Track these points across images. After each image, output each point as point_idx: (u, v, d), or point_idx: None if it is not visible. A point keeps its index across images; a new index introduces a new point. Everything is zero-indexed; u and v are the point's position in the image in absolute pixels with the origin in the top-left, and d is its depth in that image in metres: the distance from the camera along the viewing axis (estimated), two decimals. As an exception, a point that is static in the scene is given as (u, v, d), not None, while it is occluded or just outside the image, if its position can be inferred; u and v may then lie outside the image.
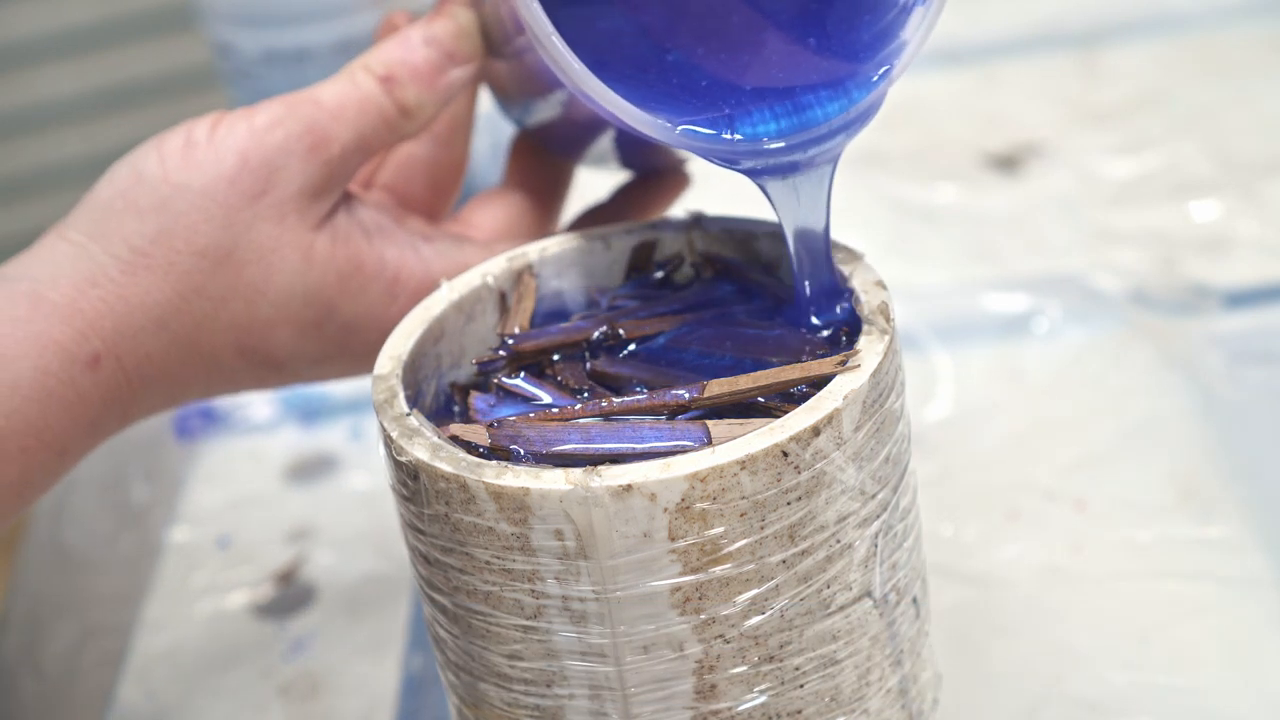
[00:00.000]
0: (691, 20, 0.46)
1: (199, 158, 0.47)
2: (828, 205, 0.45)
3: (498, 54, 0.49)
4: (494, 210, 0.53)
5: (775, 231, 0.47)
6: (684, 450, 0.40)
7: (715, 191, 0.54)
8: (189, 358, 0.48)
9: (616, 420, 0.43)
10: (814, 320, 0.45)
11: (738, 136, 0.44)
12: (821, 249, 0.45)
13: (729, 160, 0.44)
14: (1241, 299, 0.72)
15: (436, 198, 0.53)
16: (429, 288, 0.48)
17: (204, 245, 0.47)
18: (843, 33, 0.46)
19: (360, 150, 0.48)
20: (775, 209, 0.45)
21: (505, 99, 0.53)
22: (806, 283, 0.45)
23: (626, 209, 0.54)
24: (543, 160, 0.54)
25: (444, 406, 0.47)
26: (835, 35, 0.46)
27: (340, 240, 0.48)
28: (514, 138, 0.54)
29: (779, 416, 0.40)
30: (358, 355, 0.50)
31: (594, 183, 0.57)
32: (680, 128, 0.44)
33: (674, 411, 0.43)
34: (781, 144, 0.44)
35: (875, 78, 0.45)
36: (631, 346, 0.46)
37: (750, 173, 0.45)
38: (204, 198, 0.47)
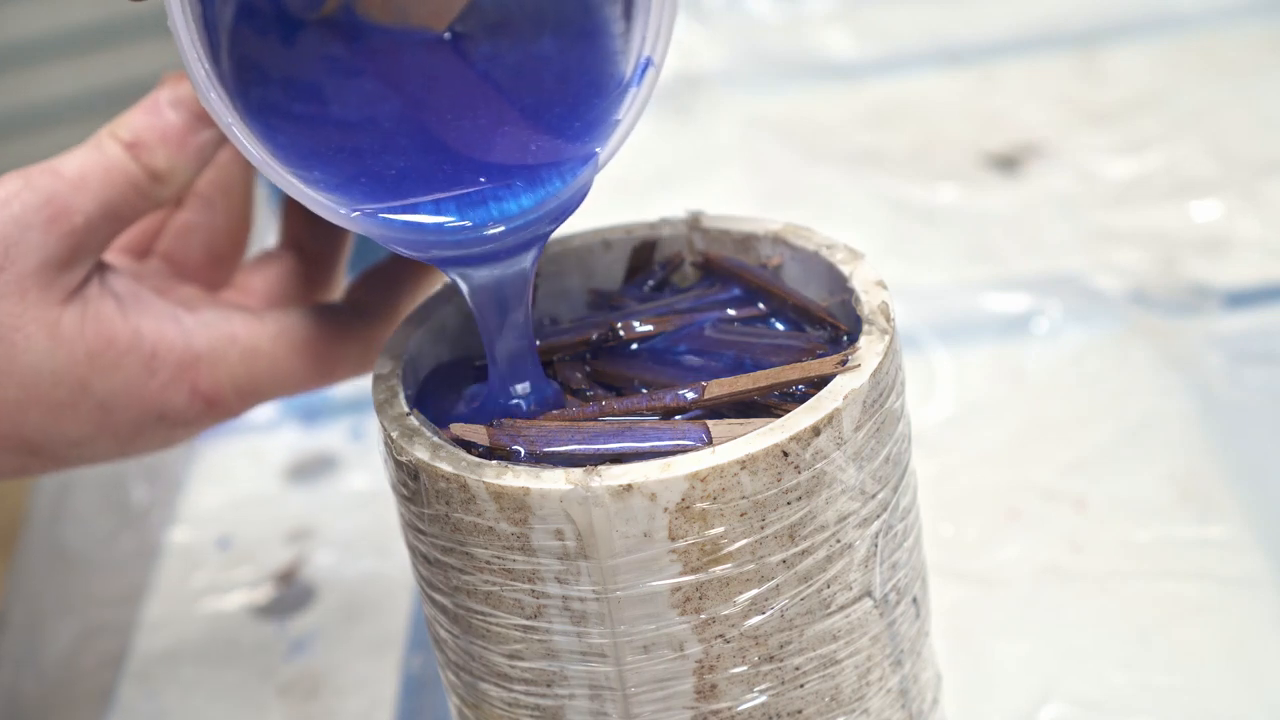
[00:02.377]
0: (390, 104, 0.44)
1: None
2: (527, 299, 0.43)
3: None
4: (267, 273, 0.51)
5: (776, 232, 0.47)
6: (684, 450, 0.40)
7: (715, 192, 0.54)
8: None
9: (617, 420, 0.43)
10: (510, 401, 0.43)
11: (433, 223, 0.42)
12: (525, 344, 0.43)
13: (416, 249, 0.42)
14: (1241, 299, 0.72)
15: (216, 266, 0.51)
16: (190, 362, 0.46)
17: None
18: (559, 117, 0.44)
19: (109, 219, 0.46)
20: (470, 300, 0.43)
21: None
22: (508, 384, 0.44)
23: (399, 268, 0.51)
24: (316, 219, 0.49)
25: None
26: (551, 120, 0.44)
27: (90, 315, 0.45)
28: (284, 196, 0.51)
29: (779, 416, 0.40)
30: (120, 436, 0.47)
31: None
32: (355, 212, 0.42)
33: (674, 412, 0.43)
34: (484, 231, 0.42)
35: (585, 161, 0.43)
36: (632, 347, 0.46)
37: (441, 262, 0.43)
38: None
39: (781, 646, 0.41)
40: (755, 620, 0.40)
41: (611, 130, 0.43)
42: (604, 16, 0.45)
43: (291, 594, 0.67)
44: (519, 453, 0.42)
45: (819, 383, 0.41)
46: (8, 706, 0.67)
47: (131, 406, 0.46)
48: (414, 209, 0.42)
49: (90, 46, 1.64)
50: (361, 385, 0.77)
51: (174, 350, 0.47)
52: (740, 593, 0.40)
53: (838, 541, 0.41)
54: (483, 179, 0.43)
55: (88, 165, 0.46)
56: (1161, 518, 0.62)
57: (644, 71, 0.43)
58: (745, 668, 0.41)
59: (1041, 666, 0.56)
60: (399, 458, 0.41)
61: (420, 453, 0.41)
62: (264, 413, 0.78)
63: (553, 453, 0.42)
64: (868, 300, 0.44)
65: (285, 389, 0.48)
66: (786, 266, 0.47)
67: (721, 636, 0.40)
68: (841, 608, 0.42)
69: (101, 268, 0.47)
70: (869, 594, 0.42)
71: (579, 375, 0.46)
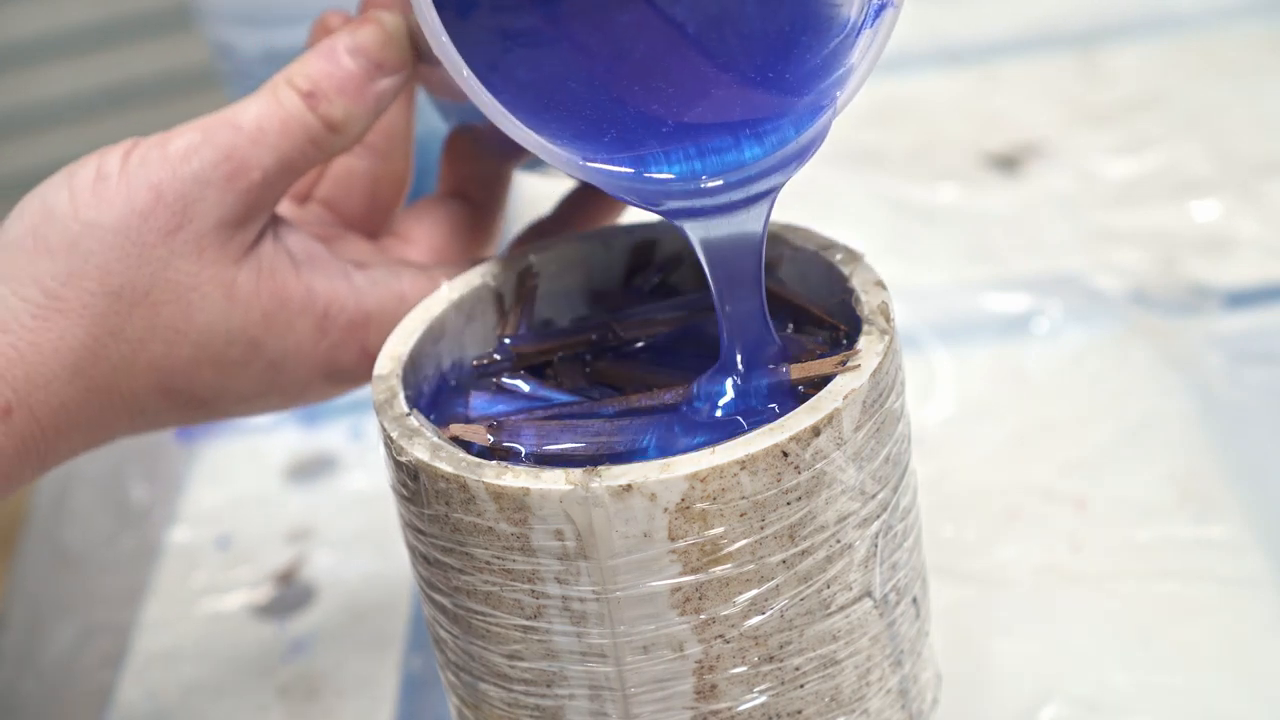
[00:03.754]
0: (618, 55, 0.44)
1: (110, 192, 0.44)
2: (761, 251, 0.42)
3: (427, 58, 0.46)
4: (431, 221, 0.50)
5: (776, 232, 0.47)
6: (683, 450, 0.40)
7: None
8: (108, 403, 0.45)
9: (616, 420, 0.43)
10: (739, 383, 0.42)
11: (664, 175, 0.41)
12: (756, 304, 0.42)
13: (649, 201, 0.41)
14: (1241, 299, 0.72)
15: (376, 213, 0.50)
16: (361, 321, 0.46)
17: (119, 286, 0.44)
18: (783, 63, 0.42)
19: (285, 173, 0.45)
20: (702, 255, 0.42)
21: (438, 100, 0.51)
22: (737, 342, 0.42)
23: (572, 220, 0.50)
24: (479, 164, 0.50)
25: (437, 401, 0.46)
26: (775, 67, 0.42)
27: (265, 274, 0.45)
28: (447, 141, 0.51)
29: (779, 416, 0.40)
30: (288, 392, 0.47)
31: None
32: (590, 163, 0.41)
33: (674, 411, 0.43)
34: (711, 183, 0.41)
35: (816, 109, 0.41)
36: (634, 347, 0.46)
37: (673, 214, 0.42)
38: (117, 235, 0.44)
39: (781, 647, 0.41)
40: (755, 620, 0.40)
41: (847, 77, 0.41)
42: None
43: (291, 594, 0.67)
44: (519, 453, 0.42)
45: (819, 383, 0.41)
46: (8, 706, 0.67)
47: (302, 365, 0.46)
48: (644, 161, 0.41)
49: (90, 46, 1.64)
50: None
51: (345, 310, 0.46)
52: (740, 593, 0.40)
53: (838, 542, 0.41)
54: (711, 130, 0.41)
55: (265, 116, 0.45)
56: (1161, 518, 0.62)
57: (880, 10, 0.41)
58: (745, 668, 0.41)
59: (1041, 666, 0.56)
60: (399, 458, 0.41)
61: (420, 453, 0.41)
62: (264, 413, 0.78)
63: (553, 453, 0.42)
64: (868, 300, 0.44)
65: None
66: (786, 266, 0.47)
67: (721, 637, 0.40)
68: (841, 608, 0.42)
69: (274, 223, 0.47)
70: (869, 594, 0.42)
71: (579, 375, 0.46)
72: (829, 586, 0.41)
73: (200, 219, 0.44)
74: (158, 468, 0.76)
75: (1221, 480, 0.63)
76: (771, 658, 0.41)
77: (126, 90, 1.65)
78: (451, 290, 0.47)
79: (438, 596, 0.43)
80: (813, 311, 0.46)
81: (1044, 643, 0.57)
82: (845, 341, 0.44)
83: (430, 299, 0.47)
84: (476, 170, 0.48)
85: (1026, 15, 1.01)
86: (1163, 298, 0.73)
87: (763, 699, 0.41)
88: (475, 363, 0.47)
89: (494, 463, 0.40)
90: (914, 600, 0.44)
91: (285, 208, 0.50)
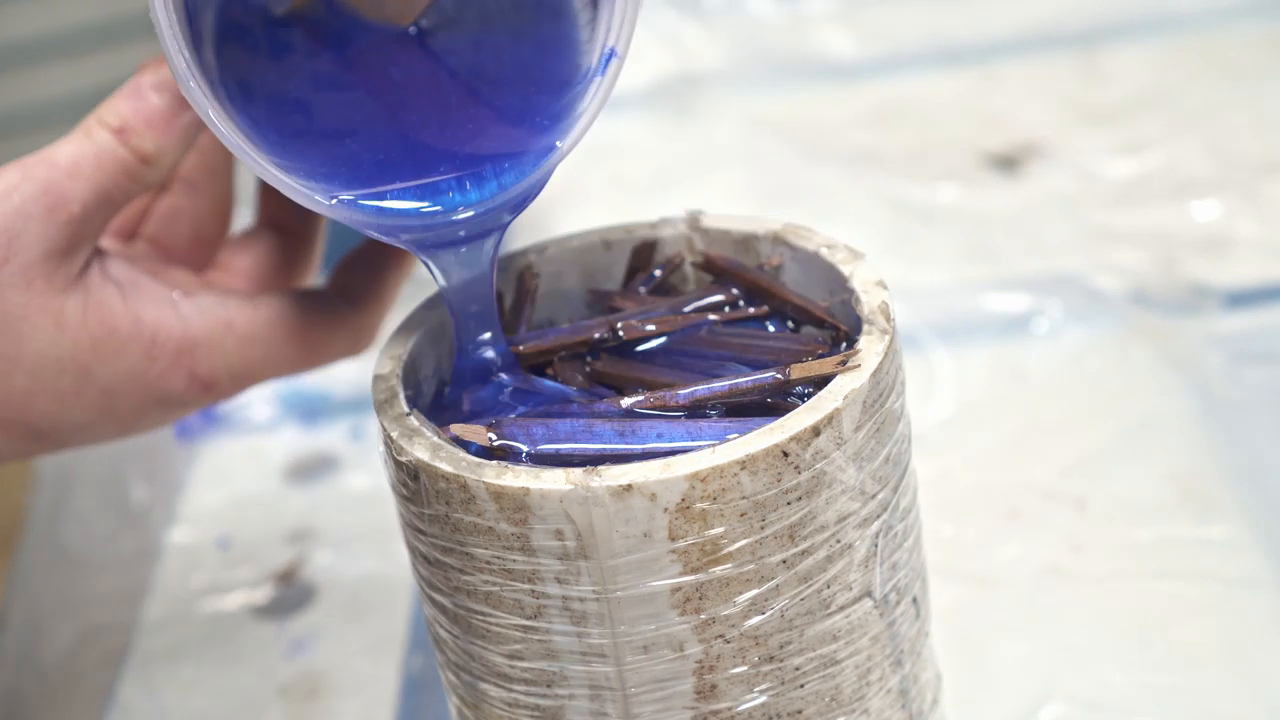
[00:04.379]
0: (363, 104, 0.46)
1: None
2: (492, 279, 0.45)
3: None
4: (250, 253, 0.52)
5: (776, 232, 0.47)
6: (684, 450, 0.40)
7: (715, 192, 0.54)
8: None
9: (617, 420, 0.43)
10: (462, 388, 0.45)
11: (402, 210, 0.44)
12: (492, 334, 0.45)
13: (388, 234, 0.44)
14: (1241, 299, 0.72)
15: (200, 247, 0.52)
16: (188, 347, 0.47)
17: None
18: (520, 112, 0.45)
19: (103, 205, 0.47)
20: (438, 279, 0.45)
21: None
22: (465, 351, 0.45)
23: (377, 254, 0.52)
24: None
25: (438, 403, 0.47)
26: (512, 116, 0.45)
27: (93, 302, 0.47)
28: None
29: (779, 416, 0.40)
30: (123, 420, 0.48)
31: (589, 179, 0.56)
32: (331, 200, 0.43)
33: (674, 411, 0.43)
34: (454, 216, 0.44)
35: (546, 154, 0.44)
36: (635, 347, 0.46)
37: (411, 246, 0.44)
38: None
39: (781, 647, 0.41)
40: (755, 620, 0.40)
41: (574, 122, 0.44)
42: (571, 8, 0.46)
43: (291, 594, 0.67)
44: (519, 453, 0.42)
45: (819, 383, 0.41)
46: (8, 706, 0.67)
47: (133, 392, 0.47)
48: (384, 195, 0.44)
49: (90, 46, 1.63)
50: (362, 385, 0.78)
51: (172, 337, 0.48)
52: (740, 593, 0.40)
53: (838, 542, 0.41)
54: (448, 169, 0.44)
55: (80, 153, 0.46)
56: (1161, 518, 0.62)
57: (608, 62, 0.44)
58: (745, 668, 0.41)
59: (1041, 666, 0.56)
60: (399, 458, 0.41)
61: (420, 453, 0.41)
62: (264, 412, 0.78)
63: (553, 453, 0.42)
64: (868, 300, 0.44)
65: (278, 372, 0.50)
66: (786, 266, 0.47)
67: (721, 637, 0.40)
68: (841, 608, 0.42)
69: (99, 254, 0.48)
70: (869, 594, 0.42)
71: (579, 375, 0.46)
72: (829, 586, 0.41)
73: (25, 251, 0.45)
74: (158, 468, 0.76)
75: (1221, 480, 0.63)
76: (772, 658, 0.41)
77: (126, 90, 1.65)
78: (451, 290, 0.47)
79: (438, 596, 0.43)
80: (813, 311, 0.46)
81: (1044, 643, 0.57)
82: (845, 341, 0.44)
83: (430, 299, 0.47)
84: (291, 202, 0.49)
85: (1026, 15, 1.01)
86: (1163, 298, 0.73)
87: (763, 699, 0.41)
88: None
89: (494, 463, 0.40)
90: (914, 600, 0.44)
91: (112, 245, 0.51)
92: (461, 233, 0.44)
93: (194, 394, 0.48)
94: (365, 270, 0.51)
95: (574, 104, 0.44)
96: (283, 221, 0.52)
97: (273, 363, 0.49)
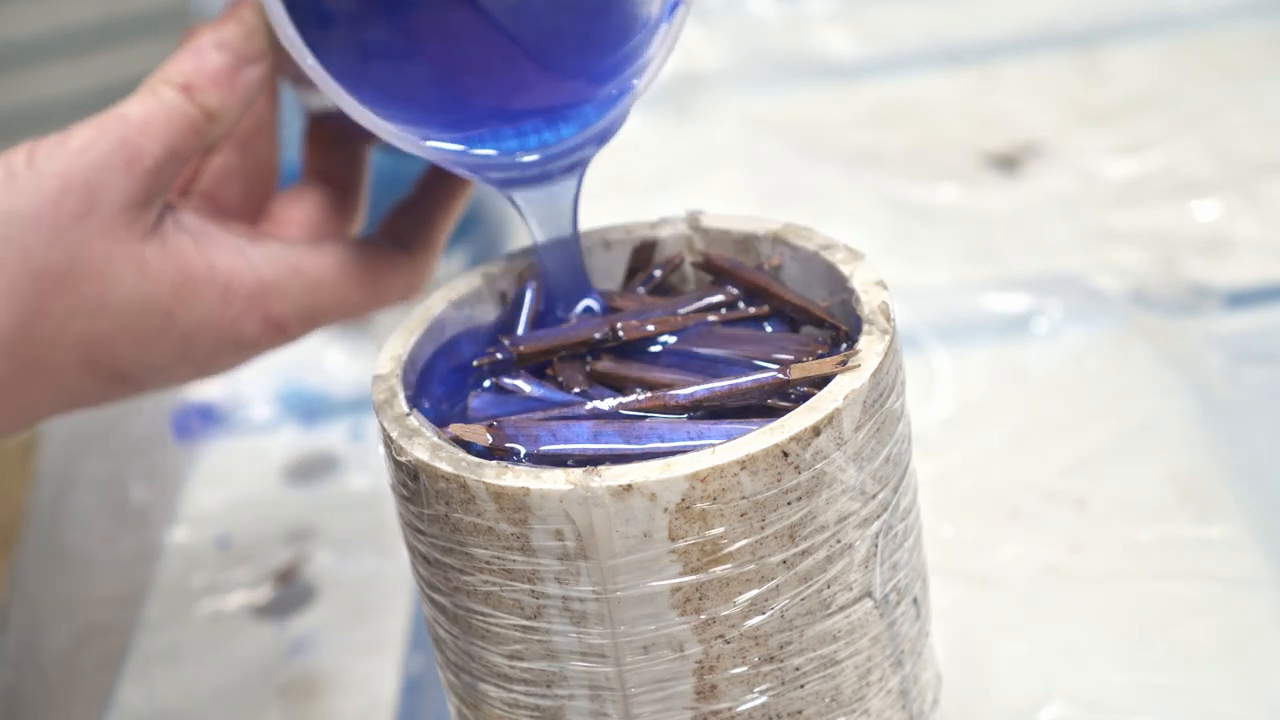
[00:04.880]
0: (451, 53, 0.49)
1: (20, 184, 0.47)
2: (575, 210, 0.48)
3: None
4: (301, 205, 0.54)
5: (776, 232, 0.47)
6: (684, 450, 0.40)
7: (715, 192, 0.54)
8: (35, 380, 0.49)
9: (617, 420, 0.43)
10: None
11: (487, 151, 0.47)
12: (574, 252, 0.48)
13: (476, 172, 0.47)
14: (1241, 299, 0.72)
15: (251, 203, 0.54)
16: (260, 292, 0.50)
17: (39, 267, 0.47)
18: (592, 58, 0.48)
19: (174, 160, 0.49)
20: (524, 217, 0.48)
21: (297, 87, 0.55)
22: (553, 285, 0.48)
23: (428, 195, 0.55)
24: (339, 149, 0.55)
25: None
26: (585, 62, 0.48)
27: (170, 249, 0.49)
28: (308, 129, 0.56)
29: (779, 416, 0.40)
30: (200, 362, 0.51)
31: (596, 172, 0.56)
32: (429, 142, 0.47)
33: (674, 411, 0.43)
34: (528, 158, 0.47)
35: (618, 94, 0.47)
36: (635, 347, 0.46)
37: (499, 184, 0.47)
38: (33, 221, 0.47)
39: (781, 647, 0.41)
40: (755, 621, 0.40)
41: (645, 66, 0.47)
42: None
43: (291, 594, 0.67)
44: (519, 453, 0.42)
45: (819, 383, 0.41)
46: (8, 706, 0.67)
47: (211, 334, 0.50)
48: (471, 141, 0.47)
49: (90, 46, 1.63)
50: (362, 385, 0.78)
51: (245, 283, 0.50)
52: (740, 593, 0.40)
53: (838, 542, 0.41)
54: (530, 114, 0.47)
55: (150, 110, 0.49)
56: (1161, 518, 0.62)
57: (675, 8, 0.47)
58: (745, 668, 0.41)
59: (1041, 666, 0.56)
60: (399, 458, 0.41)
61: (420, 453, 0.41)
62: (264, 412, 0.78)
63: (553, 453, 0.42)
64: (868, 300, 0.44)
65: (343, 315, 0.52)
66: (786, 266, 0.47)
67: (721, 637, 0.40)
68: (842, 608, 0.42)
69: (171, 207, 0.51)
70: (869, 594, 0.42)
71: (579, 375, 0.46)
72: (829, 586, 0.41)
73: (107, 202, 0.48)
74: (158, 468, 0.76)
75: (1221, 480, 0.63)
76: (772, 658, 0.41)
77: (126, 90, 1.65)
78: (451, 290, 0.47)
79: (438, 596, 0.43)
80: (813, 311, 0.46)
81: (1044, 643, 0.57)
82: (845, 341, 0.44)
83: (430, 299, 0.47)
84: (337, 155, 0.54)
85: (1026, 15, 1.01)
86: (1163, 298, 0.73)
87: (763, 699, 0.41)
88: (475, 363, 0.47)
89: (494, 463, 0.40)
90: (914, 600, 0.44)
91: (173, 199, 0.54)
92: (543, 170, 0.47)
93: (267, 336, 0.51)
94: (416, 217, 0.54)
95: (639, 51, 0.47)
96: (330, 175, 0.55)
97: (338, 305, 0.52)
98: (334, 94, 0.45)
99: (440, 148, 0.47)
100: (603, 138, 0.47)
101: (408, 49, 0.48)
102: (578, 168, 0.48)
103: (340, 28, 0.48)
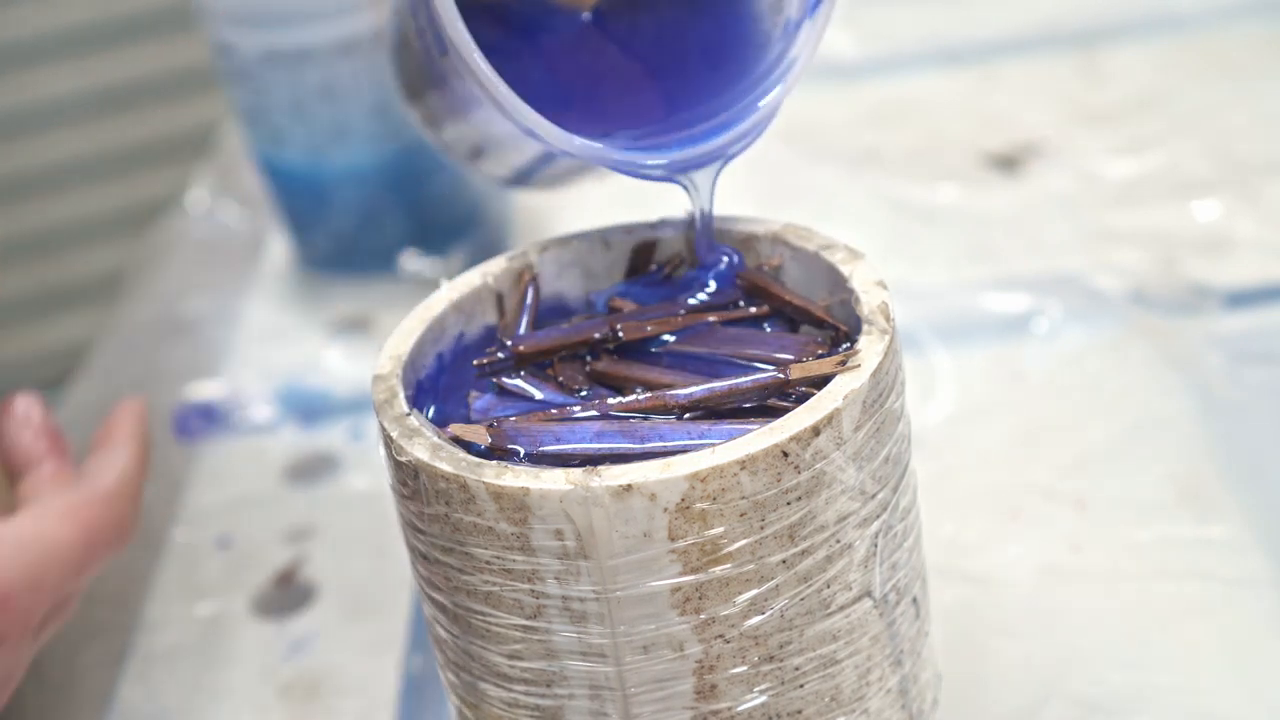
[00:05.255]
0: (594, 61, 0.49)
1: None
2: (712, 191, 0.48)
3: (428, 85, 0.52)
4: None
5: (776, 232, 0.47)
6: (684, 450, 0.40)
7: (715, 192, 0.54)
8: None
9: (617, 420, 0.43)
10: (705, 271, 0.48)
11: (658, 160, 0.47)
12: (709, 221, 0.48)
13: (630, 171, 0.47)
14: (1241, 299, 0.72)
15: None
16: None
17: None
18: (740, 71, 0.48)
19: None
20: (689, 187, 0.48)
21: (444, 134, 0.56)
22: (701, 244, 0.48)
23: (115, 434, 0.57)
24: None
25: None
26: (734, 76, 0.48)
27: None
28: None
29: (779, 416, 0.40)
30: None
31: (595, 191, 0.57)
32: (620, 154, 0.47)
33: (674, 412, 0.43)
34: (665, 160, 0.47)
35: (762, 98, 0.47)
36: (635, 347, 0.46)
37: (660, 178, 0.48)
38: None
39: (781, 647, 0.41)
40: (755, 620, 0.40)
41: (790, 66, 0.47)
42: None
43: (291, 594, 0.67)
44: (519, 453, 0.42)
45: (819, 383, 0.41)
46: (8, 706, 0.67)
47: None
48: (627, 149, 0.47)
49: (90, 46, 1.63)
50: (362, 385, 0.78)
51: None
52: (740, 593, 0.40)
53: (838, 541, 0.41)
54: (673, 124, 0.48)
55: None
56: (1161, 518, 0.62)
57: (816, 6, 0.47)
58: (745, 668, 0.41)
59: (1041, 666, 0.56)
60: (399, 458, 0.41)
61: (420, 453, 0.41)
62: (264, 412, 0.78)
63: (552, 453, 0.42)
64: (868, 300, 0.44)
65: (66, 568, 0.51)
66: (786, 266, 0.47)
67: (721, 637, 0.40)
68: (841, 608, 0.42)
69: None
70: (869, 594, 0.42)
71: (579, 375, 0.46)
72: (829, 586, 0.41)
73: None
74: (158, 468, 0.76)
75: (1221, 480, 0.63)
76: (771, 658, 0.41)
77: (126, 90, 1.65)
78: (451, 290, 0.47)
79: (438, 596, 0.43)
80: (813, 311, 0.46)
81: (1044, 643, 0.57)
82: (845, 342, 0.44)
83: (430, 299, 0.47)
84: None
85: (1026, 15, 1.01)
86: (1163, 298, 0.73)
87: (763, 699, 0.41)
88: (476, 363, 0.47)
89: (494, 463, 0.40)
90: (914, 600, 0.44)
91: None
92: (688, 164, 0.47)
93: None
94: (107, 449, 0.55)
95: (785, 53, 0.47)
96: None
97: (58, 553, 0.50)
98: (499, 93, 0.45)
99: (596, 151, 0.47)
100: (755, 133, 0.47)
101: (531, 73, 0.49)
102: (733, 157, 0.48)
103: (512, 32, 0.48)
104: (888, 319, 0.43)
